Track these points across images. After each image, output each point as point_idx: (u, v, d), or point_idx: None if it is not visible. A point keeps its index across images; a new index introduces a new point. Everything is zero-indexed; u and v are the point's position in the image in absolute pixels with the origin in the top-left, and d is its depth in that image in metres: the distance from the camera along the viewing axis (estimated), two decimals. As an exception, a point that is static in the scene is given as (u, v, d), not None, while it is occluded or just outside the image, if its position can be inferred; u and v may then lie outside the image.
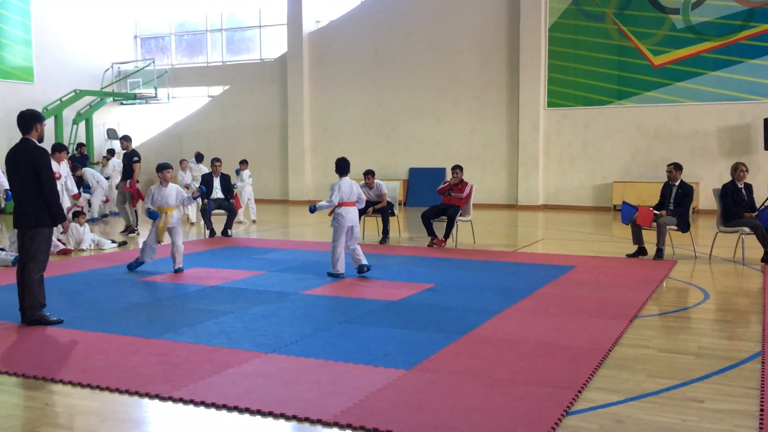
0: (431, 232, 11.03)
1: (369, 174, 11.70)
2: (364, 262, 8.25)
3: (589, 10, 17.58)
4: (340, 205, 8.31)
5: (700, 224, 13.95)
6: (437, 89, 19.32)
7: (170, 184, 8.79)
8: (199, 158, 15.94)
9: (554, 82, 18.03)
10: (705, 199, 16.00)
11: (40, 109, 17.33)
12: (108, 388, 4.38)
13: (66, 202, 11.37)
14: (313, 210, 8.48)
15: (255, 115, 21.94)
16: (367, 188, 11.60)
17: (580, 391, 4.27)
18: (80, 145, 18.55)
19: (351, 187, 8.42)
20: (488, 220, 15.24)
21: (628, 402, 4.13)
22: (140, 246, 8.95)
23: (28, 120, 6.05)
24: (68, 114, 20.70)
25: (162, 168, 8.80)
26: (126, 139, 13.28)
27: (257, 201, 16.97)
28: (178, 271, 8.61)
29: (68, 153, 10.99)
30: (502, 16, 18.48)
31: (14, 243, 9.73)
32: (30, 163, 5.92)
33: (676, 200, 9.75)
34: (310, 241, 11.94)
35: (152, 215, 8.59)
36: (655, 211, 9.72)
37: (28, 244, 5.99)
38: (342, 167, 8.59)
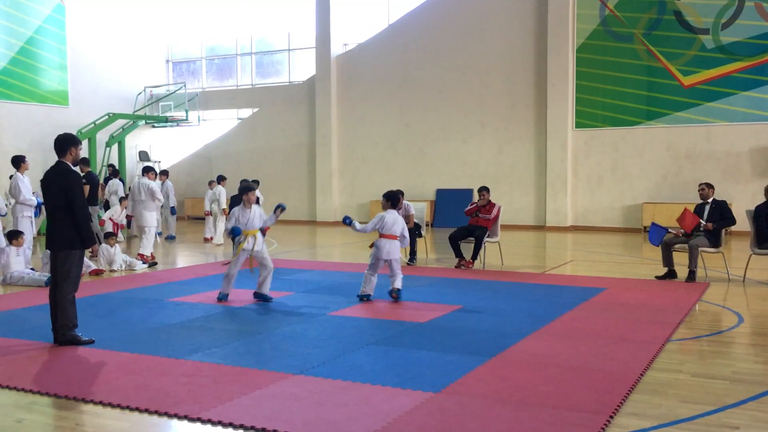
0: (459, 254, 10.99)
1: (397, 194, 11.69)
2: (398, 287, 8.02)
3: (617, 31, 17.52)
4: (381, 236, 8.07)
5: (733, 246, 13.71)
6: (464, 110, 19.35)
7: (253, 206, 8.22)
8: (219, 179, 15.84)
9: (582, 103, 17.96)
10: (738, 220, 15.68)
11: (74, 132, 17.69)
12: (137, 409, 4.41)
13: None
14: (347, 221, 8.15)
15: (283, 137, 22.16)
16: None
17: (611, 417, 4.20)
18: (110, 166, 18.84)
19: (395, 221, 8.12)
20: (516, 241, 15.14)
21: (661, 428, 4.05)
22: (225, 277, 8.27)
23: (63, 143, 6.18)
24: (102, 137, 21.10)
25: (246, 190, 8.23)
26: (83, 163, 12.92)
27: (287, 222, 17.07)
28: (263, 297, 8.09)
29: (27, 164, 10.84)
30: (529, 37, 18.50)
31: (47, 264, 9.90)
32: (62, 185, 6.04)
33: (711, 217, 9.63)
34: (337, 262, 11.96)
35: (235, 232, 8.00)
36: (701, 220, 9.57)
37: (60, 264, 6.09)
38: (391, 199, 8.31)
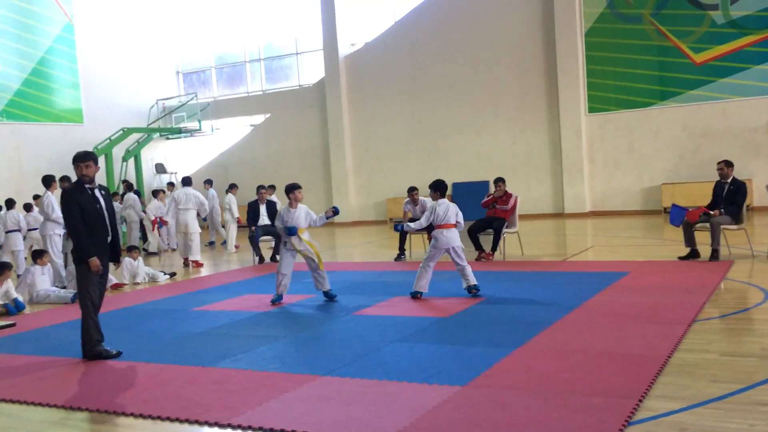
0: (478, 246, 10.97)
1: (413, 190, 11.71)
2: (473, 282, 7.80)
3: (625, 13, 17.38)
4: (437, 227, 7.90)
5: (756, 222, 13.55)
6: (476, 102, 19.30)
7: (300, 205, 8.21)
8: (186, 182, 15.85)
9: (594, 87, 17.84)
10: (759, 195, 15.56)
11: (90, 149, 17.86)
12: (169, 418, 4.45)
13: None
14: (398, 228, 8.11)
15: (297, 141, 22.24)
16: (411, 204, 11.63)
17: (640, 400, 4.18)
18: (125, 181, 18.98)
19: (447, 209, 7.90)
20: (535, 230, 15.08)
21: (692, 409, 4.02)
22: (277, 280, 8.22)
23: (73, 163, 6.22)
24: (117, 152, 21.30)
25: (292, 188, 8.21)
26: (62, 180, 12.26)
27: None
28: (328, 295, 8.11)
29: (56, 184, 11.13)
30: (537, 25, 18.41)
31: (71, 281, 10.03)
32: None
33: (729, 198, 9.51)
34: (358, 262, 11.99)
35: (291, 231, 8.02)
36: (708, 211, 9.48)
37: (77, 280, 6.21)
38: (440, 188, 8.10)
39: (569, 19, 17.74)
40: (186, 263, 12.96)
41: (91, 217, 6.07)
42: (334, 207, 8.25)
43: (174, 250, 16.02)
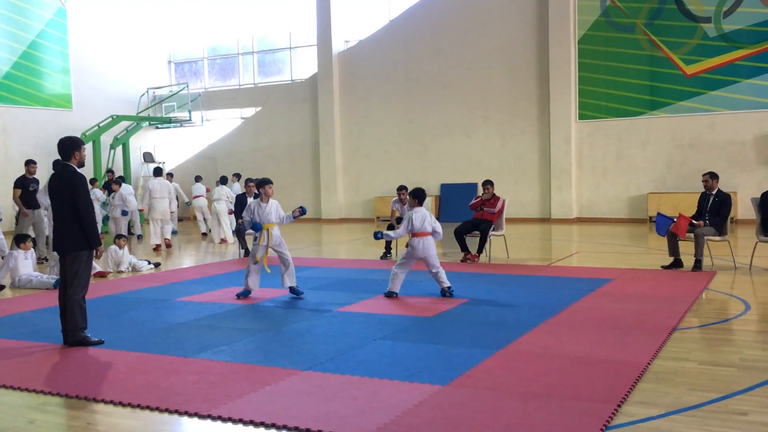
0: (464, 248, 11.01)
1: (402, 189, 11.72)
2: (447, 285, 7.95)
3: (618, 22, 17.49)
4: (414, 235, 7.94)
5: (740, 234, 13.69)
6: (467, 105, 19.35)
7: (270, 200, 8.22)
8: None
9: (585, 95, 17.94)
10: (743, 208, 15.72)
11: (78, 135, 17.74)
12: (148, 407, 4.44)
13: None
14: (378, 236, 8.13)
15: (287, 136, 22.19)
16: (399, 204, 11.64)
17: (619, 405, 4.21)
18: (110, 171, 18.86)
19: (424, 218, 7.96)
20: (521, 234, 15.14)
21: (669, 416, 4.06)
22: (246, 273, 8.28)
23: (68, 147, 6.20)
24: (106, 139, 21.17)
25: (263, 183, 8.24)
26: (28, 163, 12.56)
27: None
28: (294, 291, 8.16)
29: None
30: (530, 30, 18.48)
31: (54, 266, 9.96)
32: (68, 188, 6.08)
33: (713, 209, 9.59)
34: (343, 259, 11.99)
35: (256, 227, 8.07)
36: (692, 221, 9.56)
37: (68, 266, 6.12)
38: (418, 196, 8.13)
39: (563, 25, 17.83)
40: (158, 247, 14.10)
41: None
42: (301, 207, 8.24)
43: (140, 237, 16.88)
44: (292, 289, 8.23)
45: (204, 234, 17.37)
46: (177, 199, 16.72)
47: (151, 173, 17.80)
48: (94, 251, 6.27)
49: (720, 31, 16.49)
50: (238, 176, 17.88)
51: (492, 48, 18.96)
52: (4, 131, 19.52)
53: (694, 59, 16.79)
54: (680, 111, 17.04)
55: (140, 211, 15.86)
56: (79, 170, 6.25)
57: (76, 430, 4.21)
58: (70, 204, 6.07)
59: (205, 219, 17.53)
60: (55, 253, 9.29)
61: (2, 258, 11.10)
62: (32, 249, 10.09)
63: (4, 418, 4.39)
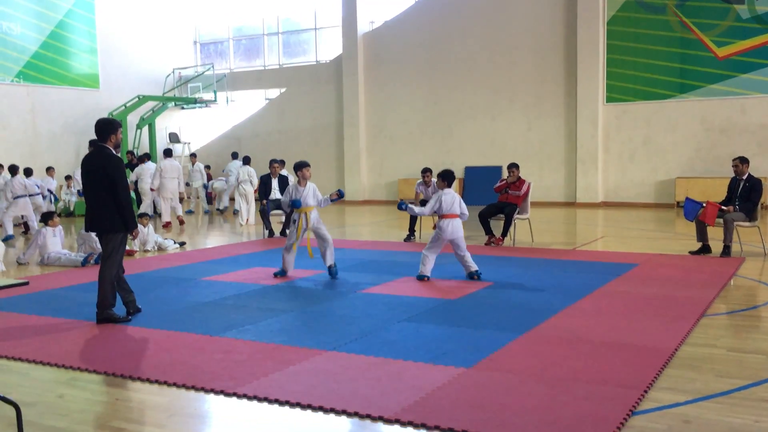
0: (489, 231, 10.95)
1: (426, 171, 11.67)
2: (474, 269, 7.91)
3: (649, 2, 17.16)
4: (442, 216, 7.92)
5: (769, 220, 13.45)
6: (493, 87, 19.16)
7: (308, 183, 8.22)
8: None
9: (613, 77, 17.67)
10: (774, 194, 15.42)
11: (106, 115, 17.87)
12: (175, 384, 4.50)
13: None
14: (401, 207, 8.09)
15: (311, 117, 22.18)
16: (424, 186, 11.61)
17: (645, 391, 4.18)
18: (130, 152, 18.89)
19: (453, 199, 7.93)
20: (546, 218, 15.03)
21: (697, 402, 4.02)
22: (282, 255, 8.36)
23: (104, 128, 6.23)
24: (132, 119, 21.33)
25: (301, 166, 8.23)
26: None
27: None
28: (331, 272, 8.17)
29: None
30: (558, 11, 18.21)
31: (82, 245, 10.09)
32: (106, 170, 6.12)
33: (743, 195, 9.43)
34: (367, 241, 12.00)
35: (296, 204, 8.06)
36: (722, 207, 9.41)
37: (103, 245, 6.24)
38: (447, 178, 8.08)
39: (592, 6, 17.53)
40: (168, 224, 14.73)
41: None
42: (339, 190, 8.26)
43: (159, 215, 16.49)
44: (330, 269, 8.24)
45: (220, 210, 18.44)
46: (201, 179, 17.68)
47: (184, 154, 18.18)
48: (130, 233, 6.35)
49: (753, 12, 16.11)
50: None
51: (518, 29, 18.72)
52: (33, 110, 19.73)
53: (726, 41, 16.44)
54: (711, 94, 16.72)
55: (152, 190, 15.89)
56: (115, 153, 6.31)
57: (105, 406, 4.28)
58: (107, 185, 6.12)
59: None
60: (83, 231, 9.42)
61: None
62: (60, 226, 10.22)
63: (34, 393, 4.47)
